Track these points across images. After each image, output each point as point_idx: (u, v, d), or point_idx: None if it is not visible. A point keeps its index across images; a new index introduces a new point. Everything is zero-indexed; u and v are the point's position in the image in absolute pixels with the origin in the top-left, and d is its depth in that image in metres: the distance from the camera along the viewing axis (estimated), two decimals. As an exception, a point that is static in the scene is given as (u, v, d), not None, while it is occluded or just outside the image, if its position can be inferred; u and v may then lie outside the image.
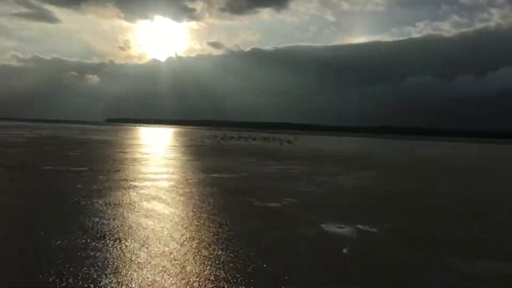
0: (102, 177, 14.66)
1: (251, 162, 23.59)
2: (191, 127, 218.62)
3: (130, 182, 13.61)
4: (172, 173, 16.66)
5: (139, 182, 13.70)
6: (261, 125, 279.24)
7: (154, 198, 11.03)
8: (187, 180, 14.84)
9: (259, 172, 18.25)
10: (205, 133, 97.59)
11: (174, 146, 37.69)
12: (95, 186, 12.58)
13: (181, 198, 11.23)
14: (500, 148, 78.83)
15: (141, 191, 11.98)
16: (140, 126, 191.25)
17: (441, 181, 18.63)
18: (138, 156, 24.25)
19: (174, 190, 12.40)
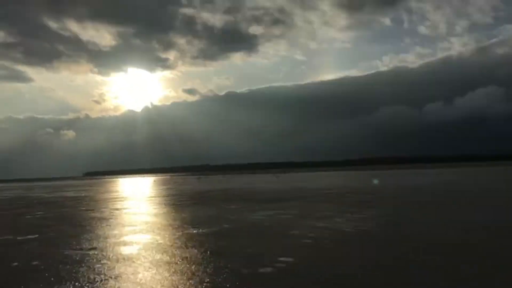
0: (50, 248, 11.77)
1: (234, 209, 20.95)
2: (172, 174, 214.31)
3: (84, 253, 10.79)
4: (141, 233, 13.88)
5: (96, 252, 10.89)
6: (242, 166, 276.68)
7: (108, 276, 8.27)
8: (157, 242, 12.10)
9: (245, 222, 15.64)
10: (186, 179, 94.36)
11: (151, 197, 34.69)
12: (35, 262, 9.75)
13: (146, 273, 8.49)
14: (485, 170, 78.17)
15: (96, 265, 9.20)
16: (119, 177, 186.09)
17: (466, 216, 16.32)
18: (106, 214, 21.28)
19: (138, 261, 9.65)
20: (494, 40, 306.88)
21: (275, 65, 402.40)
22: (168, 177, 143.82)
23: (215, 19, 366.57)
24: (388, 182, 46.51)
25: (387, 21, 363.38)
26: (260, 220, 16.12)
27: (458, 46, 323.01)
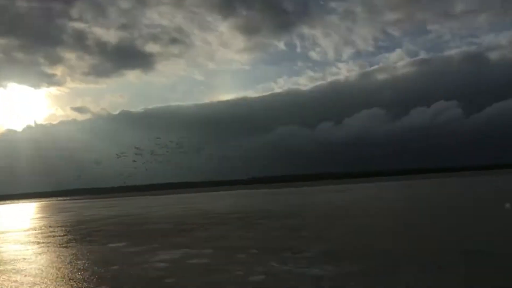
0: None
1: (119, 248, 15.41)
2: (58, 198, 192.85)
3: None
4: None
5: None
6: (137, 188, 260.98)
7: None
8: None
9: (135, 274, 10.39)
10: (72, 204, 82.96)
11: (24, 229, 26.88)
12: None
13: None
14: (373, 186, 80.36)
15: None
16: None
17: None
18: None
19: None
20: (375, 66, 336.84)
21: (173, 84, 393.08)
22: (54, 201, 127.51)
23: (109, 35, 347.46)
24: (291, 200, 43.84)
25: (281, 45, 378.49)
26: (163, 270, 10.98)
27: (344, 71, 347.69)
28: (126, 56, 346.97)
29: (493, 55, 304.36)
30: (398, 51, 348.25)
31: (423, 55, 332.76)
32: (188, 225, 23.64)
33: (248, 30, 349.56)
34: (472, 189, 47.32)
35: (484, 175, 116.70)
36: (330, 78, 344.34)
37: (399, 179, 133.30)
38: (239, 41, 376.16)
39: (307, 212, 28.32)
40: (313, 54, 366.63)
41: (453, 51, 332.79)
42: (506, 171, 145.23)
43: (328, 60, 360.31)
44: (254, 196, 66.79)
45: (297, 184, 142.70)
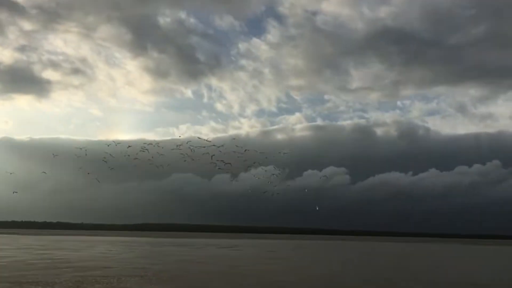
0: None
1: None
2: None
3: None
4: None
5: None
6: (10, 224, 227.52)
7: None
8: None
9: None
10: None
11: None
12: None
13: None
14: (267, 243, 76.70)
15: None
16: None
17: None
18: None
19: None
20: (275, 126, 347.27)
21: (67, 116, 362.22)
22: None
23: (4, 54, 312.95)
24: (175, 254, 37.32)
25: (189, 92, 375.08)
26: None
27: (246, 127, 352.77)
28: (19, 80, 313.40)
29: (379, 131, 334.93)
30: (298, 115, 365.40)
31: (319, 121, 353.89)
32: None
33: (157, 72, 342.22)
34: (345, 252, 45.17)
35: (369, 241, 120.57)
36: (231, 132, 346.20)
37: (286, 237, 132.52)
38: (146, 82, 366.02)
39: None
40: (219, 106, 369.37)
41: (345, 122, 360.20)
42: (385, 238, 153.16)
43: (232, 114, 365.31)
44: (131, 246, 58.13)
45: (183, 235, 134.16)
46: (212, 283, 18.37)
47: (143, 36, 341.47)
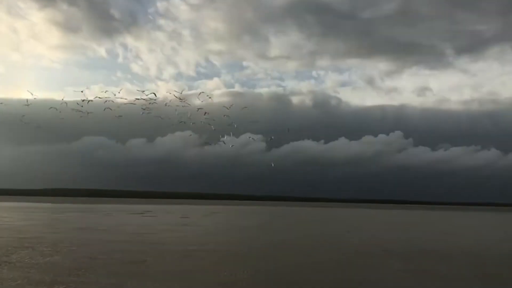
0: None
1: None
2: None
3: None
4: None
5: None
6: None
7: None
8: None
9: None
10: None
11: None
12: None
13: None
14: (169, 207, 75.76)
15: None
16: None
17: None
18: None
19: None
20: (193, 91, 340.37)
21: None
22: None
23: None
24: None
25: (102, 51, 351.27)
26: None
27: (164, 90, 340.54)
28: None
29: (295, 99, 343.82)
30: (216, 80, 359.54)
31: (237, 88, 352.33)
32: None
33: (67, 27, 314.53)
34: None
35: (282, 205, 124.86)
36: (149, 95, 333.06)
37: (200, 203, 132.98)
38: (54, 36, 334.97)
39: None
40: (134, 67, 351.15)
41: (263, 89, 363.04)
42: (294, 203, 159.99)
43: (149, 76, 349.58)
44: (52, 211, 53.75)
45: (93, 200, 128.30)
46: (111, 255, 16.98)
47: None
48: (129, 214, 51.65)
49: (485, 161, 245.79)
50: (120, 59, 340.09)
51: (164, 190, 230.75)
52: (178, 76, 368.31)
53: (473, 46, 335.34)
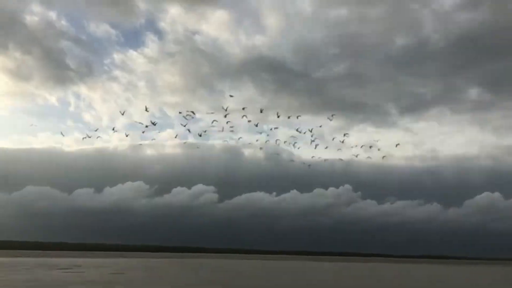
0: None
1: None
2: None
3: None
4: None
5: None
6: None
7: None
8: None
9: None
10: None
11: None
12: None
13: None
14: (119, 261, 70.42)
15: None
16: None
17: None
18: None
19: None
20: (147, 141, 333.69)
21: None
22: None
23: None
24: None
25: (53, 99, 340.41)
26: None
27: (116, 140, 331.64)
28: None
29: (247, 152, 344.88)
30: (170, 131, 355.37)
31: (190, 139, 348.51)
32: None
33: (18, 74, 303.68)
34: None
35: (231, 258, 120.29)
36: (98, 144, 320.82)
37: (146, 256, 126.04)
38: (2, 83, 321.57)
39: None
40: (86, 116, 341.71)
41: (216, 141, 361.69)
42: (247, 256, 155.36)
43: (101, 126, 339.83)
44: None
45: (22, 253, 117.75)
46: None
47: (5, 33, 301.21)
48: (48, 270, 46.76)
49: (427, 215, 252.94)
50: (71, 108, 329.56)
51: (108, 242, 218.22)
52: (131, 127, 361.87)
53: (415, 107, 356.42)
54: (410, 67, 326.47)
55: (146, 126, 64.83)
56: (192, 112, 60.14)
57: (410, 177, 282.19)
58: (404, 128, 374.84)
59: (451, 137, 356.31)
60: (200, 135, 67.20)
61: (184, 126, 62.29)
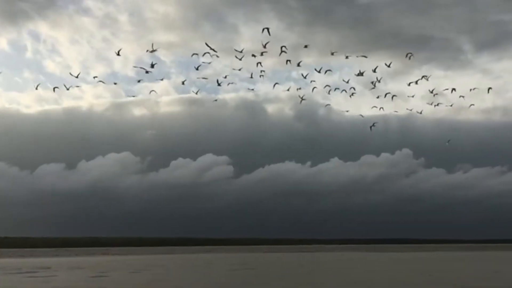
0: None
1: None
2: None
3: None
4: None
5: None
6: None
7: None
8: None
9: None
10: None
11: None
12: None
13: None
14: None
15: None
16: None
17: None
18: None
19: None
20: (133, 98, 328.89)
21: None
22: None
23: None
24: None
25: (2, 43, 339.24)
26: None
27: (90, 97, 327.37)
28: None
29: (270, 108, 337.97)
30: (165, 83, 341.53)
31: (194, 93, 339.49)
32: None
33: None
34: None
35: (251, 251, 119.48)
36: (67, 103, 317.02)
37: (137, 251, 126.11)
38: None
39: None
40: (50, 65, 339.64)
41: (228, 95, 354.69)
42: (274, 248, 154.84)
43: (70, 77, 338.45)
44: None
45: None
46: None
47: None
48: (4, 275, 44.87)
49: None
50: (28, 54, 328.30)
51: (86, 235, 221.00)
52: (111, 78, 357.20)
53: (497, 41, 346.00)
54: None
55: (146, 72, 60.52)
56: (213, 50, 56.02)
57: (489, 136, 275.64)
58: (482, 69, 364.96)
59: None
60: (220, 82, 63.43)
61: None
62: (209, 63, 59.99)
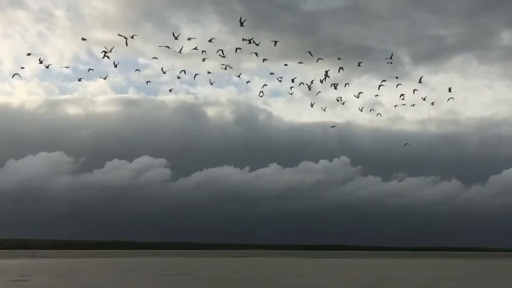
0: None
1: None
2: None
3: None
4: None
5: None
6: None
7: None
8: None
9: None
10: None
11: None
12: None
13: None
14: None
15: None
16: None
17: None
18: None
19: None
20: (68, 95, 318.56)
21: None
22: None
23: None
24: None
25: None
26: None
27: (23, 94, 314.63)
28: None
29: (211, 112, 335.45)
30: (102, 82, 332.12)
31: (132, 93, 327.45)
32: None
33: None
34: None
35: (181, 255, 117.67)
36: (2, 99, 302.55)
37: (64, 254, 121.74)
38: None
39: None
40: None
41: (167, 97, 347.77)
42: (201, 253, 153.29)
43: (1, 72, 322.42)
44: None
45: None
46: None
47: None
48: None
49: (445, 195, 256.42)
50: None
51: (13, 237, 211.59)
52: (45, 74, 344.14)
53: (433, 54, 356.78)
54: (428, 3, 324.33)
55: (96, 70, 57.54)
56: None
57: (424, 147, 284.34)
58: (419, 81, 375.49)
59: (476, 94, 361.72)
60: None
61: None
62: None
